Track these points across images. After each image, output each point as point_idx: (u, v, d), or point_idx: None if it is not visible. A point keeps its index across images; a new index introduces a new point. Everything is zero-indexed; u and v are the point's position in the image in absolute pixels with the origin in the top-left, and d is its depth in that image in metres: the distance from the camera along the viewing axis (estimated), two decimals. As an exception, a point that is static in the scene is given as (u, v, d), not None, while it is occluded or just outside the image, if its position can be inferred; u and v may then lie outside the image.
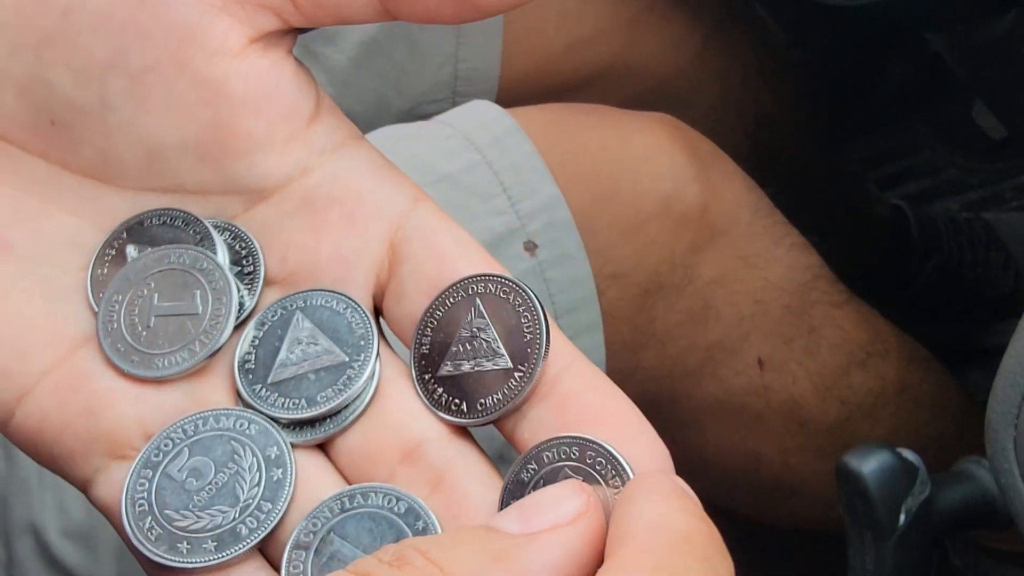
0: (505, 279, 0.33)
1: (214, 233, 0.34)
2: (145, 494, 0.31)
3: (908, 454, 0.56)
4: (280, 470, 0.32)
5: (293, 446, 0.32)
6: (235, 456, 0.32)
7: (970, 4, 0.79)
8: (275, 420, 0.32)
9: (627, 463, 0.30)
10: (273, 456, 0.32)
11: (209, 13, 0.33)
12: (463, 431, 0.32)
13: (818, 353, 0.74)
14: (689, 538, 0.26)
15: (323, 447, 0.33)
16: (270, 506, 0.31)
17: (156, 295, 0.34)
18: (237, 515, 0.31)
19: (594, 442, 0.30)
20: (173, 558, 0.31)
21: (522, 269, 0.64)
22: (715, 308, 0.71)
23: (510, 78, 0.83)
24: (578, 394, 0.31)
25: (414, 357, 0.33)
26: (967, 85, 1.04)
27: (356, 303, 0.33)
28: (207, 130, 0.33)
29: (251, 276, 0.34)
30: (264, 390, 0.33)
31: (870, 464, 0.55)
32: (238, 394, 0.33)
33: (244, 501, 0.31)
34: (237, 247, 0.34)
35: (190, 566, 0.31)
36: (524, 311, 0.33)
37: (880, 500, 0.55)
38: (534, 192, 0.66)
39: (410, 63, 0.80)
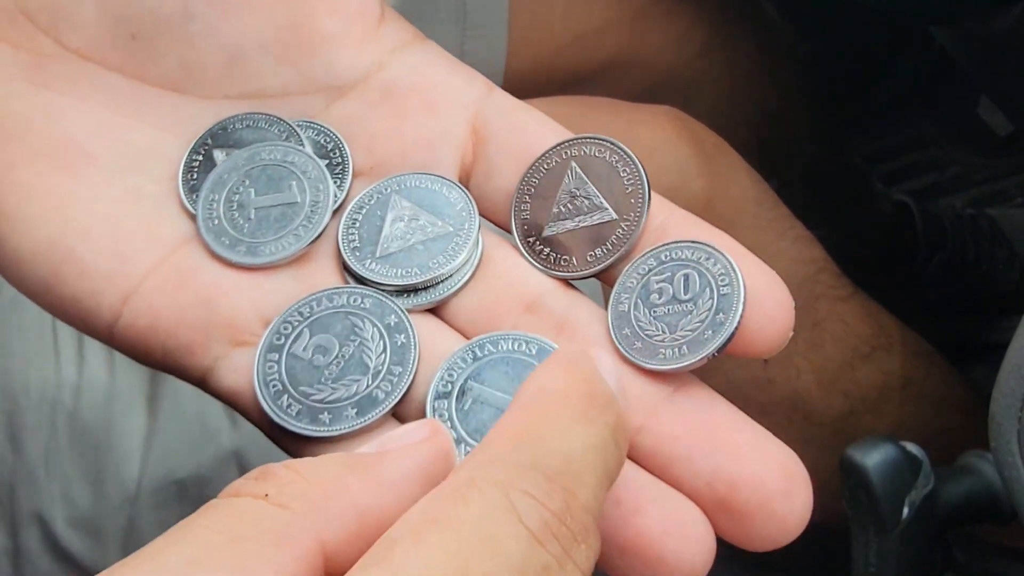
0: (598, 138, 0.34)
1: (298, 130, 0.35)
2: (276, 374, 0.32)
3: (912, 448, 0.56)
4: (402, 335, 0.32)
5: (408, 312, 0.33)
6: (356, 329, 0.33)
7: (976, -2, 0.79)
8: (386, 291, 0.33)
9: (738, 267, 0.31)
10: (393, 323, 0.33)
11: None
12: (572, 285, 0.33)
13: (822, 347, 0.75)
14: (564, 393, 0.26)
15: (436, 312, 0.34)
16: (400, 369, 0.32)
17: (252, 191, 0.35)
18: (371, 381, 0.32)
19: (707, 244, 0.32)
20: (318, 429, 0.31)
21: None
22: (719, 301, 0.71)
23: (515, 71, 0.83)
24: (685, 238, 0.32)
25: (516, 224, 0.34)
26: (973, 80, 1.03)
27: (450, 180, 0.34)
28: (285, 30, 0.35)
29: (340, 167, 0.35)
30: (374, 263, 0.34)
31: (874, 457, 0.55)
32: (347, 272, 0.34)
33: (374, 368, 0.32)
34: (322, 141, 0.35)
35: (336, 433, 0.31)
36: (622, 166, 0.34)
37: (883, 494, 0.55)
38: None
39: (415, 56, 0.80)
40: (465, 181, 0.35)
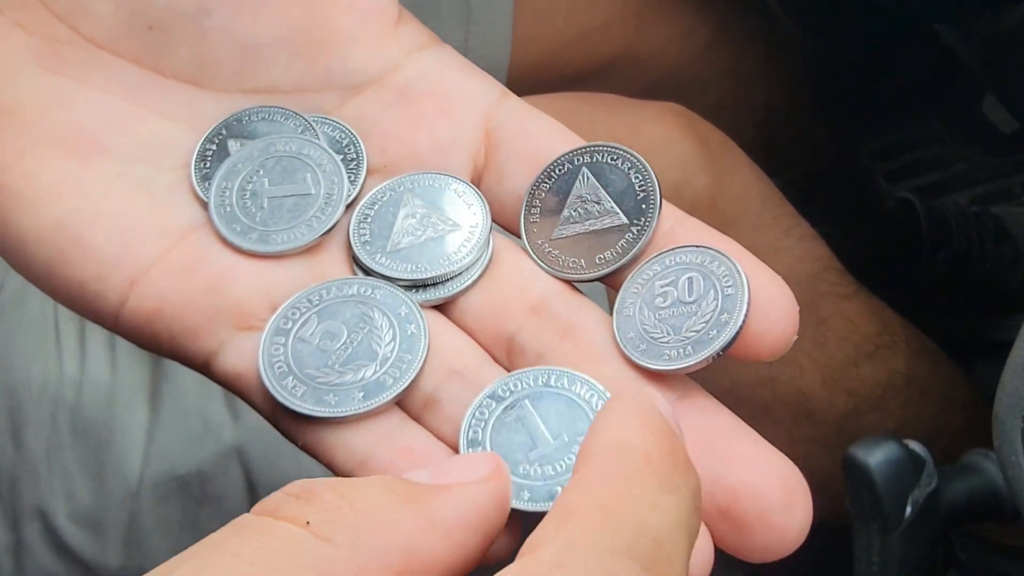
0: (611, 146, 0.34)
1: (314, 125, 0.35)
2: (282, 357, 0.32)
3: (915, 446, 0.56)
4: (413, 325, 0.32)
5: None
6: (365, 317, 0.33)
7: (982, -4, 0.79)
8: (397, 284, 0.33)
9: (742, 269, 0.31)
10: (403, 313, 0.33)
11: None
12: (578, 289, 0.33)
13: (826, 344, 0.74)
14: (649, 457, 0.25)
15: (442, 310, 0.34)
16: (410, 357, 0.32)
17: (266, 180, 0.35)
18: (379, 367, 0.32)
19: (713, 248, 0.31)
20: (323, 410, 0.31)
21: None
22: (723, 299, 0.71)
23: (520, 67, 0.83)
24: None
25: (525, 226, 0.34)
26: (978, 78, 1.03)
27: (463, 180, 0.35)
28: (301, 28, 0.35)
29: (355, 163, 0.35)
30: (384, 258, 0.34)
31: (877, 456, 0.55)
32: (357, 265, 0.34)
33: (383, 355, 0.32)
34: (337, 137, 0.35)
35: (341, 415, 0.31)
36: (634, 173, 0.34)
37: (886, 492, 0.55)
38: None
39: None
40: (476, 184, 0.35)
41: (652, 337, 0.31)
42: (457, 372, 0.32)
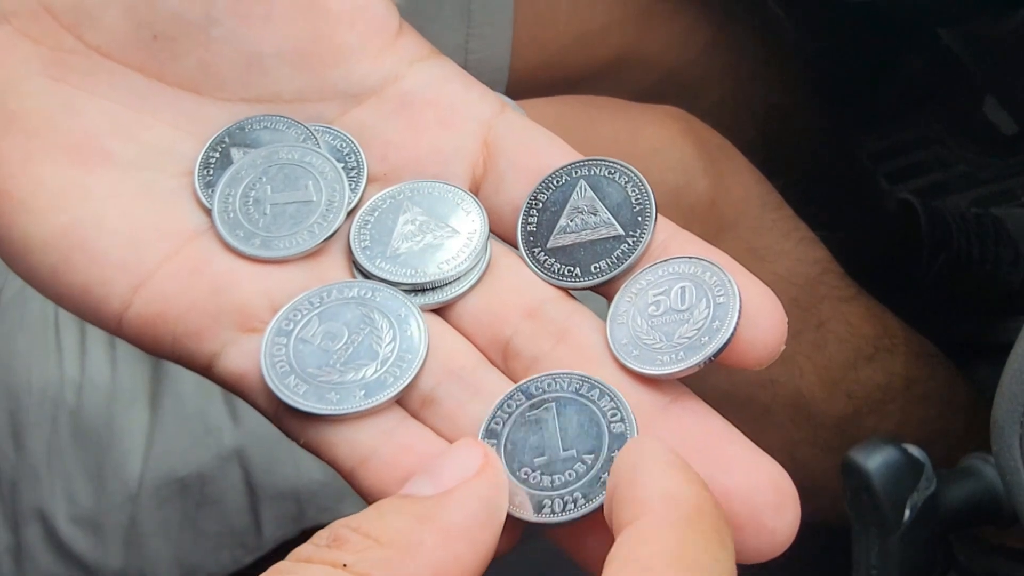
0: (609, 161, 0.35)
1: (315, 134, 0.36)
2: (284, 357, 0.33)
3: (914, 450, 0.56)
4: (412, 327, 0.33)
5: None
6: (366, 319, 0.33)
7: (982, -1, 0.79)
8: (396, 288, 0.34)
9: (736, 284, 0.31)
10: (403, 315, 0.33)
11: None
12: (573, 296, 0.34)
13: (825, 347, 0.74)
14: (700, 509, 0.27)
15: (440, 314, 0.34)
16: (410, 357, 0.33)
17: (269, 187, 0.35)
18: (380, 367, 0.32)
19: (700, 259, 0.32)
20: (325, 407, 0.32)
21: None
22: (723, 301, 0.71)
23: (520, 70, 0.83)
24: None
25: (521, 235, 0.35)
26: (979, 80, 1.03)
27: (462, 189, 0.35)
28: (304, 40, 0.35)
29: (356, 171, 0.36)
30: (384, 263, 0.34)
31: (876, 459, 0.55)
32: (358, 269, 0.34)
33: (383, 355, 0.33)
34: (339, 146, 0.36)
35: (343, 412, 0.32)
36: (631, 187, 0.35)
37: (885, 496, 0.55)
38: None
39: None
40: (474, 193, 0.36)
41: (645, 343, 0.32)
42: (455, 373, 0.33)
